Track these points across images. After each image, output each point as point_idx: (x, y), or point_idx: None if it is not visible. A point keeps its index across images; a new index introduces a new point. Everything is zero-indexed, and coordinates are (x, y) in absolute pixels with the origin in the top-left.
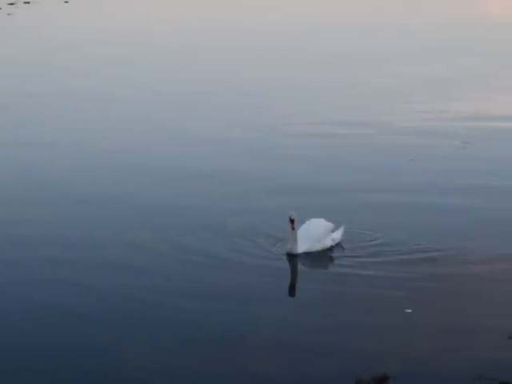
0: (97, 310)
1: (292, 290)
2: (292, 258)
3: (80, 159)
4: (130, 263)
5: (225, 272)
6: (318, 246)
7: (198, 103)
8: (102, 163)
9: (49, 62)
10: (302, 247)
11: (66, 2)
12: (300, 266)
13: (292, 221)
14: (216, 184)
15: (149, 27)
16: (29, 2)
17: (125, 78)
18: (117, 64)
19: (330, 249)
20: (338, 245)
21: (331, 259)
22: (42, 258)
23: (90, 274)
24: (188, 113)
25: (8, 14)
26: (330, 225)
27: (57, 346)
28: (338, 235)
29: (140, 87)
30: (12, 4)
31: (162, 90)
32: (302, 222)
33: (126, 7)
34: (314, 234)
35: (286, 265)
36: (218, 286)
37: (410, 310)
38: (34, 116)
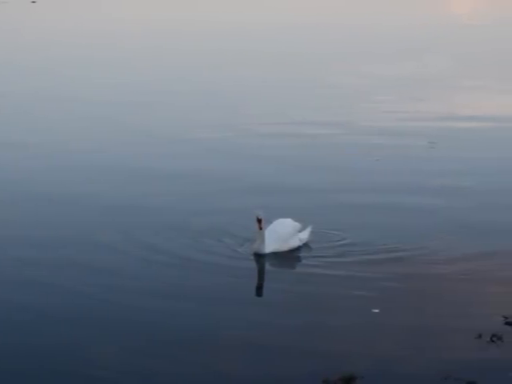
0: (62, 309)
1: (259, 290)
2: (259, 257)
3: (45, 159)
4: (97, 263)
5: (191, 272)
6: (285, 246)
7: (164, 103)
8: (67, 163)
9: (14, 62)
10: (269, 247)
11: (34, 1)
12: (267, 266)
13: (259, 220)
14: (183, 184)
15: (114, 27)
16: None
17: (90, 77)
18: (82, 64)
19: (298, 249)
20: (306, 245)
21: (298, 259)
22: (7, 258)
23: (55, 273)
24: (154, 113)
25: None
26: (297, 225)
27: (22, 346)
28: (305, 235)
29: (106, 87)
30: None
31: (127, 89)
32: (270, 221)
33: (92, 7)
34: (282, 234)
35: (253, 265)
36: (184, 286)
37: (377, 310)
38: None
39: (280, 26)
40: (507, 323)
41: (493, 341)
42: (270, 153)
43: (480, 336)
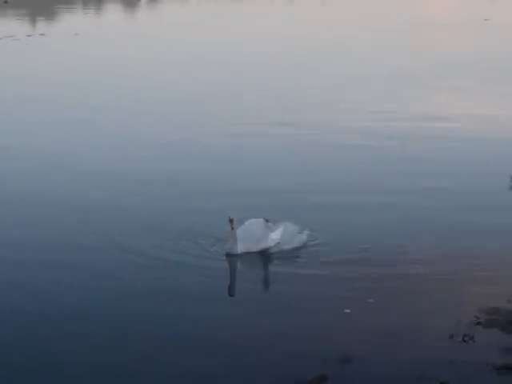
0: (36, 307)
1: (231, 289)
2: (232, 257)
3: (25, 161)
4: (72, 263)
5: (164, 272)
6: (257, 247)
7: (140, 108)
8: (44, 165)
9: None
10: (241, 247)
11: (6, 2)
12: (239, 266)
13: (231, 221)
14: (156, 185)
15: (92, 32)
16: None
17: (67, 81)
18: (58, 68)
19: (270, 249)
20: (278, 245)
21: (270, 259)
22: None
23: (31, 273)
24: (131, 117)
25: None
26: (269, 225)
27: None
28: (277, 235)
29: (84, 91)
30: None
31: (107, 94)
32: (241, 222)
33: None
34: (254, 234)
35: (225, 265)
36: (156, 286)
37: (348, 310)
38: None
39: (259, 30)
40: (479, 323)
41: (465, 341)
42: (244, 154)
43: (452, 336)
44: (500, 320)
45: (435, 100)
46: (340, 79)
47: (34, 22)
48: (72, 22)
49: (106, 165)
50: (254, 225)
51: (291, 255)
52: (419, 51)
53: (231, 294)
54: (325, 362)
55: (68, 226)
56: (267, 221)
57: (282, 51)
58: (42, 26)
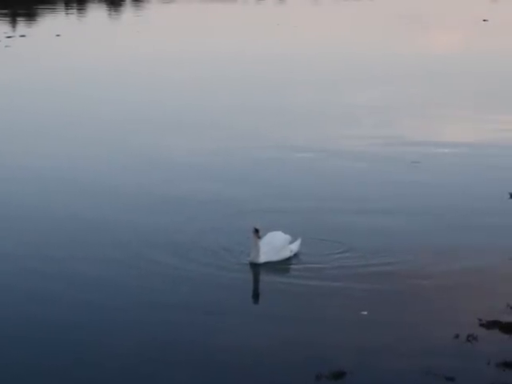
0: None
1: (255, 297)
2: (255, 266)
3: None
4: (57, 270)
5: (149, 278)
6: (277, 257)
7: (124, 121)
8: (22, 176)
9: None
10: (263, 257)
11: None
12: (262, 275)
13: (257, 231)
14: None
15: (74, 33)
16: None
17: (47, 85)
18: (37, 72)
19: (288, 259)
20: (296, 255)
21: (289, 269)
22: None
23: (24, 281)
24: (119, 129)
25: None
26: (287, 237)
27: None
28: (295, 246)
29: (64, 96)
30: None
31: (89, 99)
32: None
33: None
34: (274, 246)
35: (249, 273)
36: (156, 296)
37: (365, 312)
38: None
39: (260, 54)
40: (481, 325)
41: (469, 340)
42: (256, 177)
43: (457, 336)
44: (499, 332)
45: (431, 127)
46: (341, 104)
47: (14, 22)
48: (54, 23)
49: (89, 176)
50: (274, 237)
51: (307, 265)
52: (412, 58)
53: (255, 302)
54: (344, 360)
55: (48, 236)
56: (257, 230)
57: (287, 73)
58: (22, 26)
